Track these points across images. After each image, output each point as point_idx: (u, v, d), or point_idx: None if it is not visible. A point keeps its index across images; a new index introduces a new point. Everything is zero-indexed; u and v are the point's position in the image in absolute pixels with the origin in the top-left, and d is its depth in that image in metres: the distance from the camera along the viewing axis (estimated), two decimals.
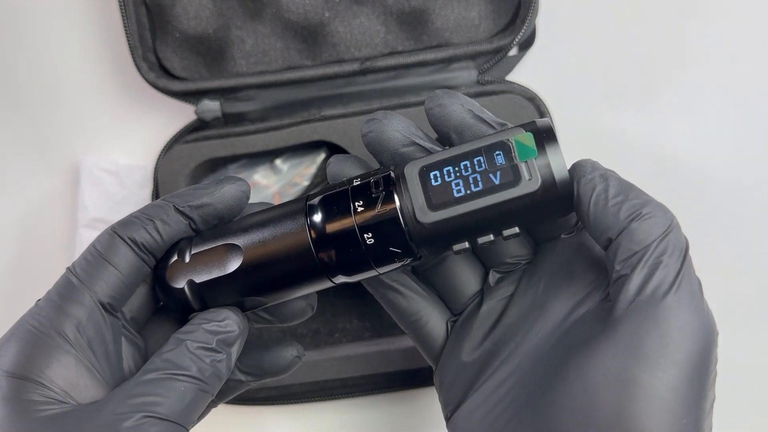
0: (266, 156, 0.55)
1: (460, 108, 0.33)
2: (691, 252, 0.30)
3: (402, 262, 0.32)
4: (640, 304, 0.28)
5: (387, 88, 0.53)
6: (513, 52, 0.54)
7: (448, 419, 0.36)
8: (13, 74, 0.58)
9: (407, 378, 0.53)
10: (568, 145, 0.54)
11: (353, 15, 0.53)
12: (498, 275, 0.36)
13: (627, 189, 0.30)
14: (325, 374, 0.52)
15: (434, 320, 0.37)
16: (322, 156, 0.55)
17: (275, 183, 0.55)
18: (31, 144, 0.58)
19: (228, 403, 0.52)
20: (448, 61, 0.53)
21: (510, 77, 0.55)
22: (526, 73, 0.55)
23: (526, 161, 0.30)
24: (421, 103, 0.53)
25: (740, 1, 0.55)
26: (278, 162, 0.55)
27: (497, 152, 0.31)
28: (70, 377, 0.30)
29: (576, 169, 0.31)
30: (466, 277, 0.37)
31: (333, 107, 0.54)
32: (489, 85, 0.53)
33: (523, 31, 0.51)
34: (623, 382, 0.28)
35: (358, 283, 0.38)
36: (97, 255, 0.32)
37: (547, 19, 0.54)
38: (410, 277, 0.37)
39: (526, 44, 0.54)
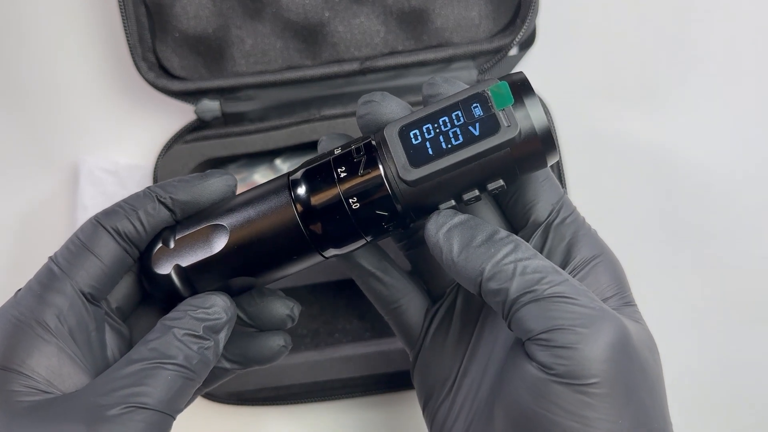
0: (266, 156, 0.55)
1: None
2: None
3: (390, 228, 0.32)
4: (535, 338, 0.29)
5: (387, 88, 0.53)
6: (513, 52, 0.54)
7: (423, 408, 0.37)
8: (13, 74, 0.58)
9: (407, 378, 0.53)
10: (568, 145, 0.54)
11: (353, 15, 0.53)
12: None
13: (469, 239, 0.31)
14: (325, 374, 0.52)
15: (413, 309, 0.38)
16: None
17: None
18: (31, 144, 0.58)
19: (228, 403, 0.52)
20: (448, 60, 0.53)
21: None
22: (526, 72, 0.55)
23: (504, 109, 0.30)
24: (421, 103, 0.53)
25: (741, 1, 0.55)
26: (278, 162, 0.55)
27: (474, 104, 0.31)
28: (52, 366, 0.30)
29: (425, 234, 0.32)
30: None
31: (333, 107, 0.54)
32: None
33: (523, 31, 0.51)
34: (547, 399, 0.28)
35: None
36: (80, 244, 0.32)
37: (547, 19, 0.54)
38: (391, 265, 0.37)
39: (526, 44, 0.54)
